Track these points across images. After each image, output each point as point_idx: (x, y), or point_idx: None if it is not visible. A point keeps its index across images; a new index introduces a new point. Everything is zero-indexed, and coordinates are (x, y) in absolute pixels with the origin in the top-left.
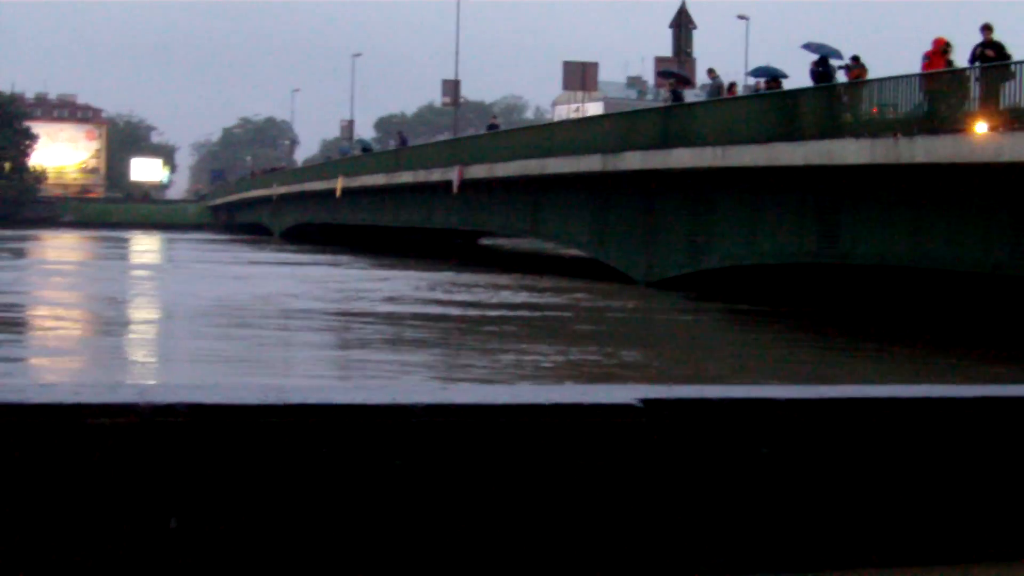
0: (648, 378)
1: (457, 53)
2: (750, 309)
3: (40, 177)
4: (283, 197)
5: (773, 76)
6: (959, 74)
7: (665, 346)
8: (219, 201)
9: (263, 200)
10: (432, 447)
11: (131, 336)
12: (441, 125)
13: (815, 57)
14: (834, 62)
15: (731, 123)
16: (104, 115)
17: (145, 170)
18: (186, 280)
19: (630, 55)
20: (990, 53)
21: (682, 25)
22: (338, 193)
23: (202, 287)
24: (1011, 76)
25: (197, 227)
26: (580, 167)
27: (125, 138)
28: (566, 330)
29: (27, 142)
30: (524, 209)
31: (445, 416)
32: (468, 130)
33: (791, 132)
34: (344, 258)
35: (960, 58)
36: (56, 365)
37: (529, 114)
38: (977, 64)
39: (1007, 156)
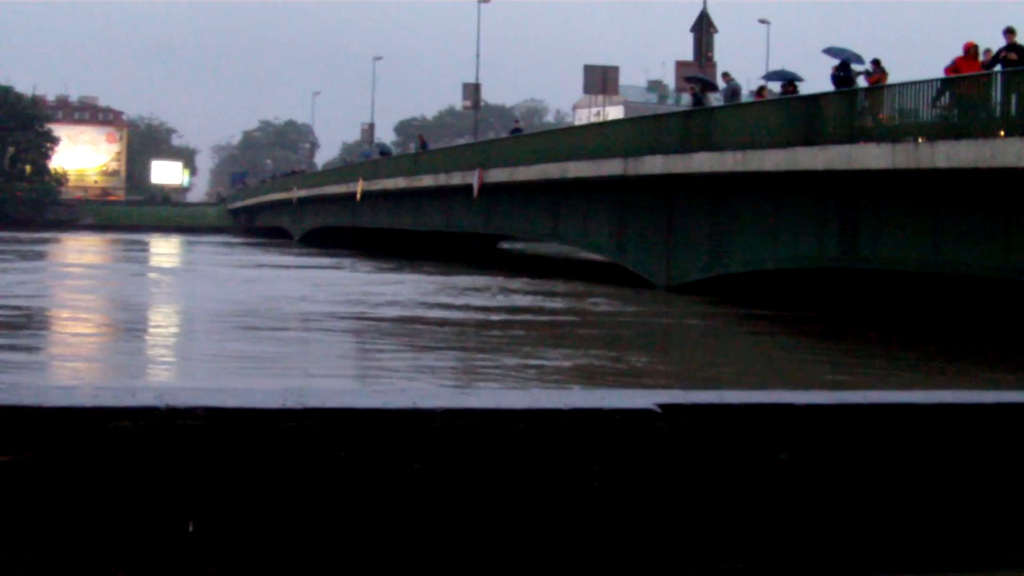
0: (655, 383)
1: (478, 56)
2: (763, 313)
3: (61, 180)
4: (303, 200)
5: (789, 80)
6: (981, 79)
7: (673, 350)
8: (239, 204)
9: (283, 203)
10: (451, 451)
11: (136, 338)
12: (461, 128)
13: (836, 61)
14: (855, 66)
15: (752, 127)
16: (125, 118)
17: (165, 173)
18: (200, 284)
19: (651, 59)
20: (1012, 56)
21: (703, 29)
22: (358, 196)
23: (215, 290)
24: None
25: (217, 230)
26: (601, 171)
27: (146, 141)
28: (573, 335)
29: (48, 144)
30: (544, 213)
31: (464, 421)
32: (488, 133)
33: (812, 137)
34: (360, 262)
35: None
36: (53, 365)
37: (549, 118)
38: (999, 68)
39: None
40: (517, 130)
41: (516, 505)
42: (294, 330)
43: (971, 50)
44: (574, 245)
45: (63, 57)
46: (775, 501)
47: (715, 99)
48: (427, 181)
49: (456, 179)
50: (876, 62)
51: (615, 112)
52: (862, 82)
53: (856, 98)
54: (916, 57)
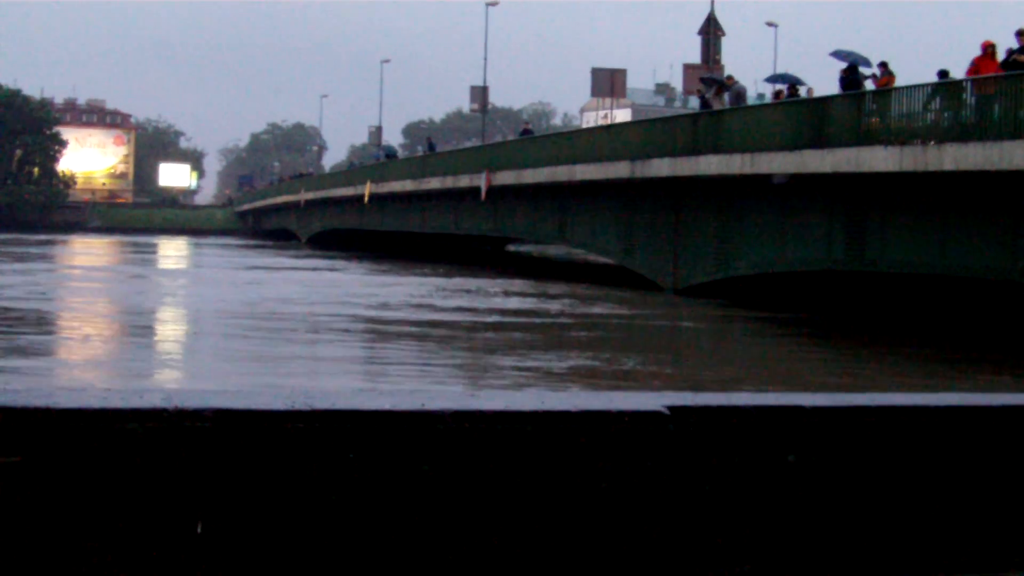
0: (650, 385)
1: (485, 59)
2: (767, 316)
3: (69, 182)
4: (310, 203)
5: (791, 83)
6: (990, 80)
7: (669, 352)
8: (246, 207)
9: (290, 206)
10: (459, 453)
11: (137, 340)
12: (469, 131)
13: (844, 65)
14: (863, 70)
15: (760, 130)
16: (133, 120)
17: (173, 175)
18: (203, 286)
19: (658, 62)
20: (1021, 59)
21: (710, 32)
22: (366, 199)
23: (215, 292)
24: None
25: (224, 232)
26: (608, 174)
27: (153, 143)
28: (566, 337)
29: (56, 147)
30: (552, 215)
31: (473, 422)
32: (496, 136)
33: (819, 139)
34: (363, 264)
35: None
36: (57, 367)
37: (557, 120)
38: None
39: None
40: (527, 132)
41: (524, 507)
42: (281, 332)
43: (989, 49)
44: (581, 248)
45: (71, 60)
46: (783, 503)
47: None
48: (434, 183)
49: (464, 181)
50: (884, 65)
51: (623, 115)
52: (870, 85)
53: (864, 101)
54: (926, 60)
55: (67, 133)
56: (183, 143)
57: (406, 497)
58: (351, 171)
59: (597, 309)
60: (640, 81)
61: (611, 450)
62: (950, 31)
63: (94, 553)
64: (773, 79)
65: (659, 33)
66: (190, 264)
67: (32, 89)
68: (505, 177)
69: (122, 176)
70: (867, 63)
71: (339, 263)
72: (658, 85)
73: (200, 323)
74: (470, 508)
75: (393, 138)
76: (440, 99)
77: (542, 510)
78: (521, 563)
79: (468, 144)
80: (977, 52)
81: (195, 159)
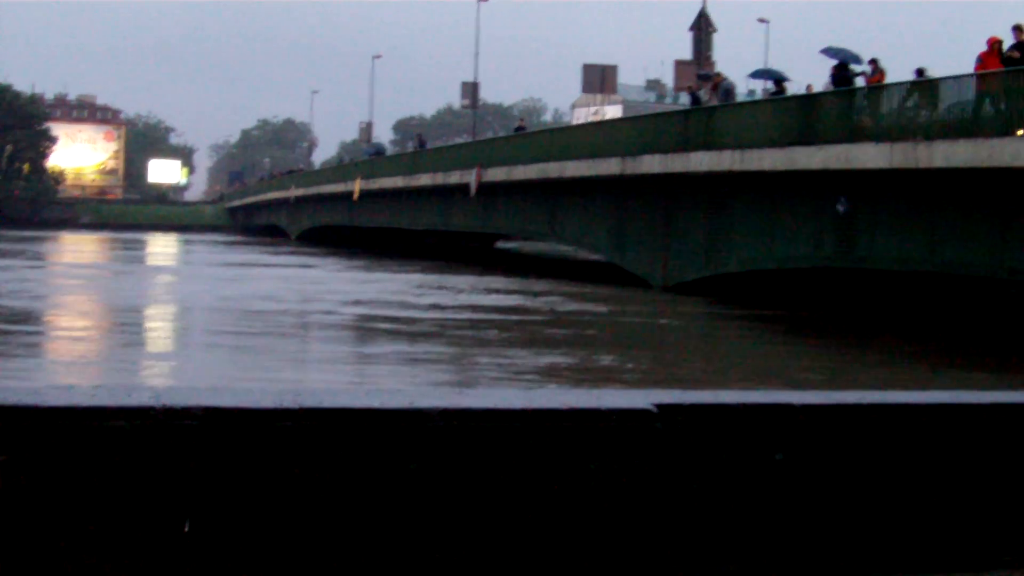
0: (625, 381)
1: (476, 55)
2: (754, 313)
3: (59, 178)
4: (300, 199)
5: (775, 78)
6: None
7: (648, 349)
8: (236, 203)
9: (280, 202)
10: (447, 452)
11: (108, 336)
12: (460, 127)
13: (834, 61)
14: (853, 66)
15: (750, 127)
16: (123, 116)
17: (163, 171)
18: (187, 283)
19: (649, 58)
20: (1015, 55)
21: (702, 28)
22: (356, 196)
23: (197, 288)
24: None
25: (215, 229)
26: (599, 170)
27: (143, 139)
28: (542, 335)
29: (46, 143)
30: (542, 212)
31: (461, 421)
32: (487, 132)
33: (810, 136)
34: (349, 260)
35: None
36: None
37: (548, 117)
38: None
39: None
40: (521, 128)
41: (512, 505)
42: (255, 327)
43: (995, 46)
44: (571, 244)
45: (61, 56)
46: (771, 502)
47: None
48: (425, 180)
49: (454, 178)
50: (874, 62)
51: (613, 111)
52: (861, 82)
53: (854, 98)
54: (918, 57)
55: (57, 129)
56: (173, 139)
57: (394, 495)
58: (341, 167)
59: (577, 306)
60: (631, 77)
61: (599, 448)
62: (942, 28)
63: (82, 551)
64: (757, 74)
65: (650, 29)
66: (178, 261)
67: (22, 84)
68: (495, 174)
69: (112, 172)
70: (858, 60)
71: (321, 260)
72: (649, 81)
73: (187, 319)
74: (458, 506)
75: (383, 134)
76: (431, 95)
77: (530, 508)
78: (510, 561)
79: (458, 140)
80: (982, 48)
81: (185, 155)
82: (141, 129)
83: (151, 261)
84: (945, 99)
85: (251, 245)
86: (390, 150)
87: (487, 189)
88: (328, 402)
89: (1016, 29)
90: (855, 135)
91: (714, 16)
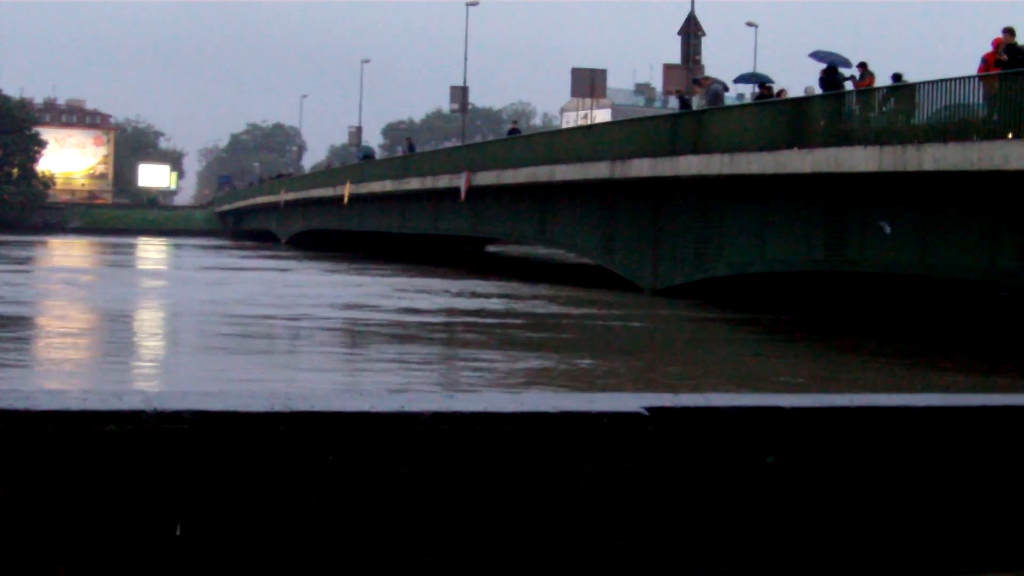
0: (599, 387)
1: (465, 59)
2: (739, 317)
3: (48, 183)
4: (290, 203)
5: (760, 82)
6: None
7: (618, 353)
8: (226, 207)
9: (270, 206)
10: (438, 455)
11: (98, 341)
12: (449, 131)
13: (823, 65)
14: (843, 70)
15: (739, 131)
16: (112, 121)
17: (153, 176)
18: (174, 288)
19: (638, 62)
20: (1003, 58)
21: (690, 32)
22: (346, 200)
23: (182, 292)
24: None
25: (204, 233)
26: (588, 174)
27: (133, 144)
28: (520, 338)
29: (35, 148)
30: (532, 216)
31: (452, 424)
32: (476, 136)
33: (799, 140)
34: (334, 264)
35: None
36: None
37: (537, 121)
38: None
39: (1015, 163)
40: (515, 130)
41: (504, 508)
42: (233, 331)
43: (1000, 47)
44: (561, 248)
45: (51, 60)
46: (762, 504)
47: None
48: (414, 184)
49: (443, 182)
50: (863, 65)
51: (602, 115)
52: (850, 86)
53: (843, 101)
54: (907, 60)
55: (47, 133)
56: (163, 143)
57: (385, 498)
58: (331, 171)
59: (558, 309)
60: (620, 81)
61: (590, 451)
62: (933, 31)
63: (73, 554)
64: (743, 79)
65: (639, 33)
66: (167, 266)
67: (11, 89)
68: (485, 178)
69: (102, 177)
70: (847, 64)
71: (307, 264)
72: (638, 85)
73: (170, 323)
74: (449, 509)
75: (373, 138)
76: (420, 99)
77: (521, 511)
78: (502, 564)
79: (448, 144)
80: (969, 52)
81: (175, 160)
82: (130, 134)
83: (143, 266)
84: (935, 102)
85: (240, 250)
86: (379, 154)
87: (477, 193)
88: (319, 406)
89: (1005, 32)
90: (845, 138)
91: (703, 20)
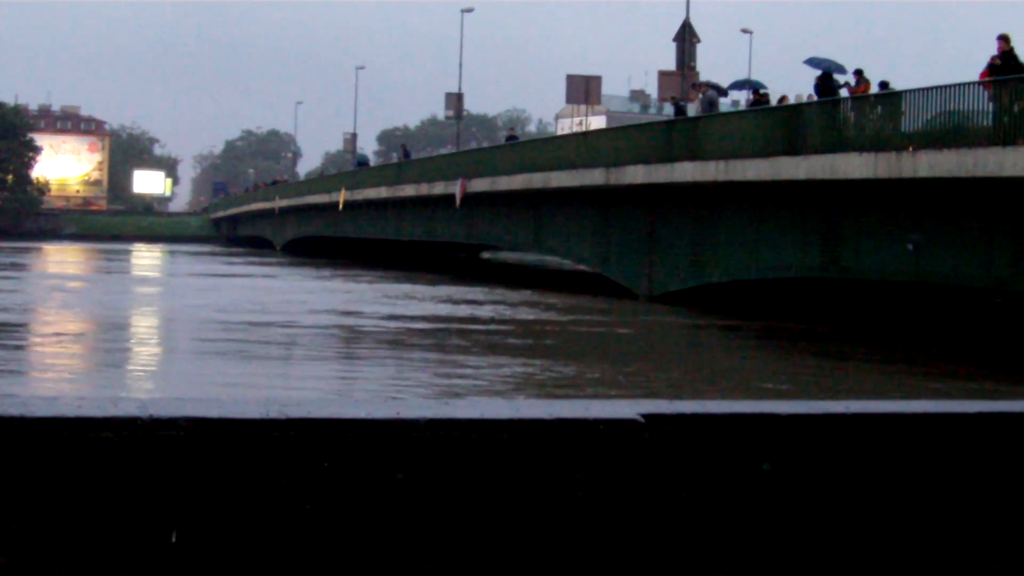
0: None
1: (460, 66)
2: (730, 324)
3: (43, 189)
4: (285, 210)
5: (754, 88)
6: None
7: (599, 360)
8: (221, 214)
9: (265, 213)
10: (434, 462)
11: (92, 348)
12: (444, 138)
13: (818, 72)
14: (838, 77)
15: (734, 137)
16: (107, 127)
17: (147, 182)
18: (167, 296)
19: (633, 69)
20: (997, 62)
21: (685, 39)
22: (340, 206)
23: (172, 301)
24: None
25: (199, 240)
26: (583, 181)
27: (128, 150)
28: (504, 344)
29: (30, 154)
30: (527, 223)
31: (448, 431)
32: (471, 143)
33: (794, 146)
34: (322, 271)
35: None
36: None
37: (532, 127)
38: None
39: (1010, 170)
40: (512, 137)
41: (499, 515)
42: (216, 336)
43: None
44: (556, 255)
45: (45, 66)
46: (758, 511)
47: (722, 104)
48: (409, 191)
49: (438, 189)
50: (859, 72)
51: (597, 122)
52: (845, 93)
53: (838, 108)
54: (905, 67)
55: (41, 140)
56: (157, 150)
57: (381, 505)
58: (326, 178)
59: (551, 316)
60: (615, 88)
61: (586, 458)
62: (930, 37)
63: (68, 562)
64: (737, 85)
65: (634, 40)
66: (161, 272)
67: (6, 95)
68: (480, 184)
69: (96, 183)
70: (841, 70)
71: (298, 271)
72: (633, 92)
73: (167, 330)
74: (445, 516)
75: (368, 145)
76: (415, 106)
77: (517, 519)
78: (497, 570)
79: (443, 151)
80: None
81: (169, 166)
82: (125, 140)
83: (138, 273)
84: (929, 108)
85: (233, 256)
86: (374, 161)
87: (472, 200)
88: (315, 412)
89: (1001, 39)
90: (840, 145)
91: (697, 27)
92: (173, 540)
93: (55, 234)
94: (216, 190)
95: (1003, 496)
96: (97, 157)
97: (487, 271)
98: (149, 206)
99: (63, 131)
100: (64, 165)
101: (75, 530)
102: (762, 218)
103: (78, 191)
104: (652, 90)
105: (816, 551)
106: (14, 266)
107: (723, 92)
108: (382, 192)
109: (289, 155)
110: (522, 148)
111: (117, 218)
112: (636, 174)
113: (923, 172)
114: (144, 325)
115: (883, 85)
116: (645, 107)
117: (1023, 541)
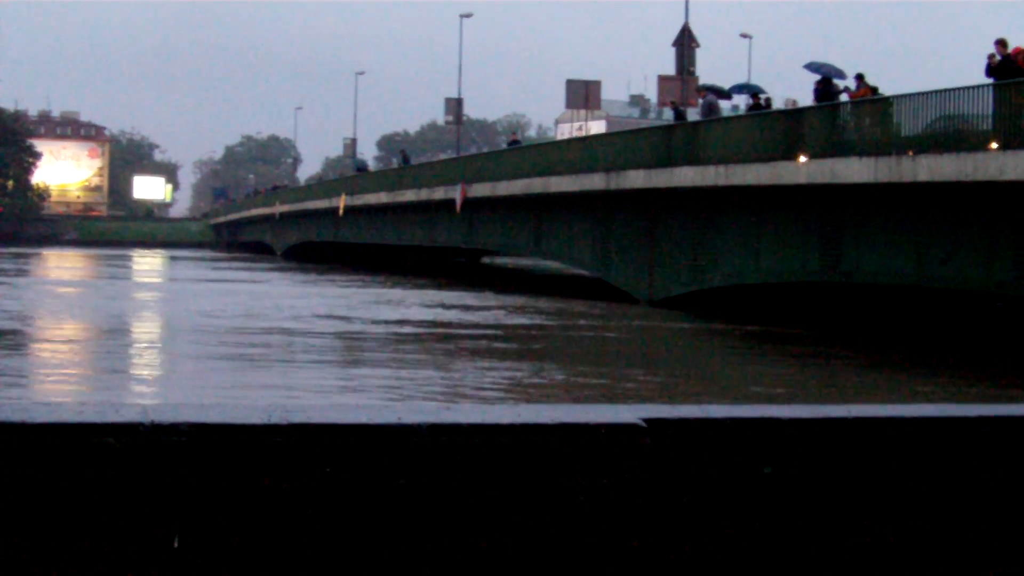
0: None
1: (460, 71)
2: (726, 328)
3: (43, 195)
4: (285, 215)
5: (752, 92)
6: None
7: (594, 365)
8: (221, 219)
9: (265, 218)
10: (435, 466)
11: (94, 354)
12: (444, 143)
13: (817, 76)
14: (837, 81)
15: (735, 142)
16: (107, 133)
17: (148, 188)
18: (165, 302)
19: (633, 74)
20: (995, 62)
21: (685, 44)
22: (341, 211)
23: (166, 307)
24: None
25: (199, 245)
26: (583, 186)
27: (128, 156)
28: (505, 350)
29: (30, 160)
30: (527, 228)
31: (449, 436)
32: (471, 148)
33: (794, 151)
34: (320, 276)
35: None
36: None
37: (532, 132)
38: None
39: (1010, 174)
40: (515, 142)
41: (501, 521)
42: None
43: (1018, 55)
44: (557, 260)
45: (45, 73)
46: (760, 515)
47: (724, 109)
48: (409, 196)
49: (438, 194)
50: (860, 77)
51: (597, 127)
52: (846, 97)
53: (838, 112)
54: (907, 71)
55: (41, 146)
56: (157, 155)
57: (382, 510)
58: (326, 183)
59: (549, 321)
60: (614, 93)
61: (588, 463)
62: (930, 41)
63: (70, 569)
64: (736, 89)
65: (633, 45)
66: (161, 278)
67: (6, 101)
68: (480, 189)
69: (96, 189)
70: (841, 75)
71: (294, 276)
72: (633, 97)
73: (167, 336)
74: (447, 521)
75: (368, 150)
76: (415, 111)
77: (518, 524)
78: (496, 575)
79: (443, 156)
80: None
81: (170, 172)
82: (125, 146)
83: (139, 279)
84: (929, 113)
85: (233, 261)
86: (374, 166)
87: (472, 205)
88: (316, 418)
89: (998, 43)
90: (840, 149)
91: (697, 32)
92: (175, 546)
93: (55, 240)
94: (216, 196)
95: (1006, 500)
96: (97, 163)
97: (487, 276)
98: (149, 212)
99: (63, 137)
100: (64, 171)
101: (77, 536)
102: (763, 222)
103: (78, 197)
104: (652, 95)
105: (819, 555)
106: (15, 272)
107: (725, 95)
108: (382, 197)
109: (289, 160)
110: (522, 153)
111: (117, 224)
112: (636, 179)
113: (923, 176)
114: (145, 330)
115: (872, 91)
116: (645, 112)
117: None
